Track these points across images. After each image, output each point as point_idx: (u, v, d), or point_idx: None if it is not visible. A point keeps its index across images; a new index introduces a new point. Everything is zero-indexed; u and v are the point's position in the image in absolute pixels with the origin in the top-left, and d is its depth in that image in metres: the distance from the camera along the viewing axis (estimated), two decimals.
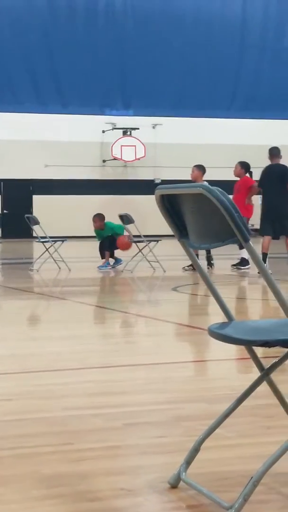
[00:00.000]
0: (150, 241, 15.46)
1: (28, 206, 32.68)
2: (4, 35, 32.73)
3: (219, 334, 2.89)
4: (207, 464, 3.31)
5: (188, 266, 14.93)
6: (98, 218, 15.98)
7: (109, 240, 15.67)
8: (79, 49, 33.46)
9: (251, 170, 15.29)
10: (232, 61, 35.22)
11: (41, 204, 32.70)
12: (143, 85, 33.93)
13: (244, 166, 15.11)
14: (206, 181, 27.44)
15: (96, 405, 4.52)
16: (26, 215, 16.99)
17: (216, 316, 8.91)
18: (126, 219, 15.49)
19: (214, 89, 34.77)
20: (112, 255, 15.88)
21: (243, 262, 15.06)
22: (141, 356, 6.33)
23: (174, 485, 3.11)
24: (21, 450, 3.66)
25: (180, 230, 3.07)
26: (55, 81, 33.34)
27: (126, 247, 15.54)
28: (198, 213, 2.92)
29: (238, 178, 15.14)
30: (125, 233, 15.65)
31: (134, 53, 34.00)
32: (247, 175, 15.16)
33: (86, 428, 4.02)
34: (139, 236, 15.50)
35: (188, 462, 3.13)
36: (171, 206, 3.08)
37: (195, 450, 3.13)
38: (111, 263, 15.80)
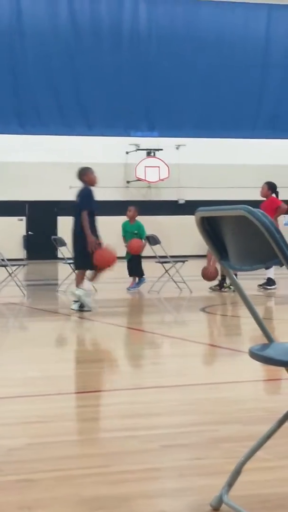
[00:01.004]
0: (177, 261, 15.45)
1: (52, 228, 32.77)
2: (29, 58, 32.99)
3: (261, 356, 2.89)
4: (248, 487, 3.30)
5: (215, 286, 14.92)
6: (135, 208, 16.16)
7: (135, 261, 15.70)
8: (103, 71, 33.65)
9: (277, 190, 15.27)
10: (255, 81, 35.29)
11: (65, 225, 32.73)
12: (167, 107, 34.05)
13: (271, 187, 15.12)
14: (230, 201, 27.25)
15: (131, 427, 4.51)
16: (53, 237, 17.05)
17: (244, 337, 8.89)
18: (152, 240, 15.50)
19: (238, 109, 34.83)
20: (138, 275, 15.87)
21: (270, 282, 15.03)
22: (172, 377, 6.32)
23: (216, 508, 3.10)
24: (60, 472, 3.66)
25: (221, 251, 3.08)
26: (80, 103, 33.53)
27: (136, 250, 15.54)
28: (239, 235, 2.92)
29: (264, 198, 15.13)
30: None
31: (158, 75, 34.13)
32: (274, 195, 15.15)
33: (123, 450, 4.02)
34: (165, 257, 15.51)
35: (230, 484, 3.12)
36: (211, 228, 3.08)
37: (237, 472, 3.12)
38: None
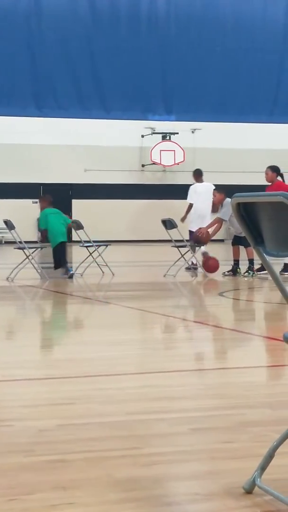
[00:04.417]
0: (192, 245, 15.43)
1: (67, 211, 32.81)
2: (47, 41, 32.97)
3: None
4: (280, 470, 3.33)
5: (228, 272, 14.92)
6: (45, 198, 16.25)
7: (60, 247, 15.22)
8: (121, 54, 33.62)
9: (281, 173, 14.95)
10: (273, 66, 35.18)
11: (80, 208, 32.84)
12: (185, 90, 34.01)
13: (276, 170, 14.80)
14: (246, 186, 27.10)
15: (159, 410, 4.55)
16: (71, 220, 17.04)
17: (266, 322, 8.93)
18: (169, 224, 15.52)
19: (256, 94, 34.75)
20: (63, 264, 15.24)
21: (286, 268, 15.00)
22: (197, 361, 6.35)
23: (248, 491, 3.14)
24: (91, 453, 3.70)
25: (255, 237, 3.10)
26: (98, 86, 33.53)
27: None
28: (276, 221, 2.94)
29: (269, 183, 14.85)
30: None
31: (176, 59, 34.09)
32: (279, 179, 14.82)
33: (152, 432, 4.06)
34: (181, 241, 15.50)
35: (263, 468, 3.15)
36: (247, 214, 3.10)
37: (270, 456, 3.16)
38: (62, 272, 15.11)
